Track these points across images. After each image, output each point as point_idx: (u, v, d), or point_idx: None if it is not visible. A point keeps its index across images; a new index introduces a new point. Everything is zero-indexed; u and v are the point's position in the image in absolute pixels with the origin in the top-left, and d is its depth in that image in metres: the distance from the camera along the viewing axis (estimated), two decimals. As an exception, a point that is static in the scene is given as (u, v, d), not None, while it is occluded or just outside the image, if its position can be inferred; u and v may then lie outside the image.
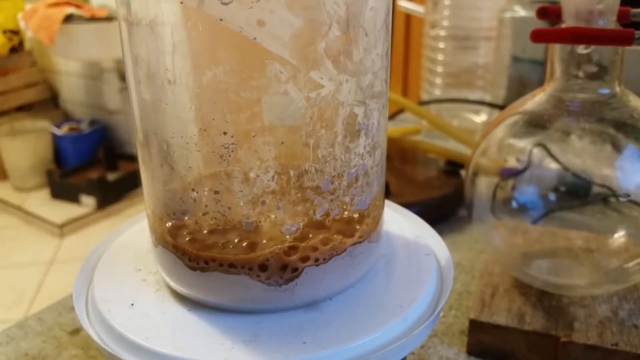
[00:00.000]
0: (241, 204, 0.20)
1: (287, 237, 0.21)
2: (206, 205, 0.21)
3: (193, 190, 0.21)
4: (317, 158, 0.21)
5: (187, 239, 0.21)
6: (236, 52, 0.19)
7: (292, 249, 0.21)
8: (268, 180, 0.20)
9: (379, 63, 0.22)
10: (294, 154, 0.20)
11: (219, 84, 0.19)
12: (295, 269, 0.21)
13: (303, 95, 0.19)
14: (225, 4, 0.18)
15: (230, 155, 0.19)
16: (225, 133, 0.19)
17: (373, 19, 0.21)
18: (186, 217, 0.22)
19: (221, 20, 0.18)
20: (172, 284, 0.23)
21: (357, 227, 0.22)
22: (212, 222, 0.21)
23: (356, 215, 0.22)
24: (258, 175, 0.20)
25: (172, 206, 0.22)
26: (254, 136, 0.19)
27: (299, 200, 0.21)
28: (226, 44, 0.19)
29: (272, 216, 0.20)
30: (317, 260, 0.21)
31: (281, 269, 0.21)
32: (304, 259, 0.21)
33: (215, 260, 0.21)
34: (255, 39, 0.18)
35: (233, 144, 0.19)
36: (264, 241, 0.21)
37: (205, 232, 0.21)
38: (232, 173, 0.20)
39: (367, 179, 0.22)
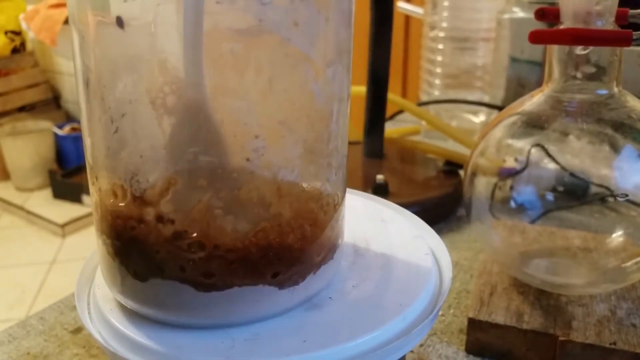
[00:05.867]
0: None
1: (295, 242, 0.21)
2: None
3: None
4: (329, 152, 0.21)
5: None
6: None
7: (298, 257, 0.21)
8: (294, 178, 0.20)
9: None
10: (313, 150, 0.21)
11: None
12: (295, 275, 0.21)
13: (323, 92, 0.20)
14: (264, 4, 0.18)
15: (263, 155, 0.19)
16: (257, 137, 0.19)
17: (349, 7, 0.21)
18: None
19: (260, 20, 0.18)
20: (132, 303, 0.22)
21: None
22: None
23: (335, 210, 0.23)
24: (282, 176, 0.20)
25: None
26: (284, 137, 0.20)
27: (309, 197, 0.21)
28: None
29: (282, 219, 0.21)
30: (318, 261, 0.22)
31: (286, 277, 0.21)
32: (304, 266, 0.21)
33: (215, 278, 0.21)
34: (289, 39, 0.18)
35: (264, 147, 0.19)
36: (266, 241, 0.21)
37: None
38: (264, 169, 0.20)
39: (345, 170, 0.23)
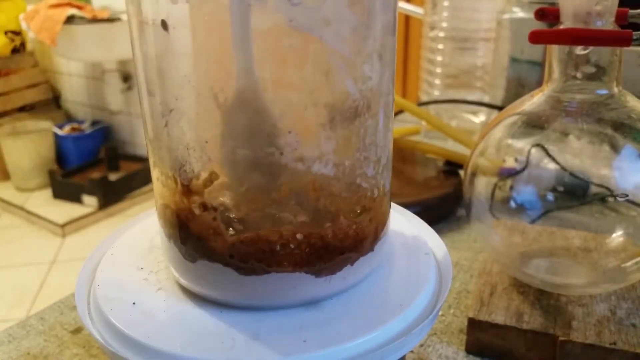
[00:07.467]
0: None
1: (334, 234, 0.22)
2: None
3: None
4: (365, 146, 0.22)
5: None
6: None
7: (334, 248, 0.22)
8: (330, 172, 0.21)
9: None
10: (347, 143, 0.21)
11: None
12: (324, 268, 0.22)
13: (357, 88, 0.21)
14: (295, 4, 0.18)
15: (297, 149, 0.20)
16: (290, 132, 0.20)
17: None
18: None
19: (291, 21, 0.19)
20: (183, 280, 0.23)
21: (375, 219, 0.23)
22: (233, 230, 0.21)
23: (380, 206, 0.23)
24: (317, 170, 0.21)
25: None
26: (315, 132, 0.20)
27: (349, 189, 0.22)
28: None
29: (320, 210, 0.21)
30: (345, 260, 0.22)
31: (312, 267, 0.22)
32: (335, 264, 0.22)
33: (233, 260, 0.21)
34: (321, 37, 0.19)
35: (297, 141, 0.20)
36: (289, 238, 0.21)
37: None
38: (289, 165, 0.21)
39: (389, 163, 0.24)
